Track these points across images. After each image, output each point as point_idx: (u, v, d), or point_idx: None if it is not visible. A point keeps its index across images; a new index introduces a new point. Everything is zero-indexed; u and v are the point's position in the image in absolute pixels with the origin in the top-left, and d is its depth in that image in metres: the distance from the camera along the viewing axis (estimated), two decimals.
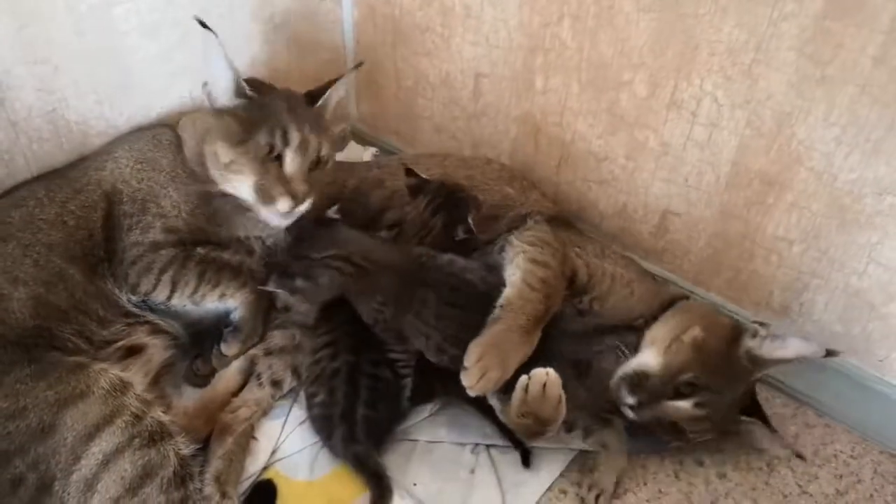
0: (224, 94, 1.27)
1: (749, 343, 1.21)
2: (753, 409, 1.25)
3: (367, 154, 1.98)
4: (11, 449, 1.02)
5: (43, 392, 1.06)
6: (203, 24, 1.21)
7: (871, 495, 1.29)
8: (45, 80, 1.33)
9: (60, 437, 1.03)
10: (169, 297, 1.30)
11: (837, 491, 1.29)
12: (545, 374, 1.13)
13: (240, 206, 1.32)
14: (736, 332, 1.24)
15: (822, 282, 1.35)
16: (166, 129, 1.40)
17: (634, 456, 1.31)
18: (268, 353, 1.36)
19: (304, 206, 1.28)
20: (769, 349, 1.20)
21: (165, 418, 1.10)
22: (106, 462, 1.02)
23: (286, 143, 1.25)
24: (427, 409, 1.33)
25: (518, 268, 1.25)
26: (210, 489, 1.13)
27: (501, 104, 1.69)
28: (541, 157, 1.67)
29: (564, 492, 1.25)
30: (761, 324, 1.23)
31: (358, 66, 1.54)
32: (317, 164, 1.31)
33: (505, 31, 1.58)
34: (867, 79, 1.16)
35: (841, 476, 1.32)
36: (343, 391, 1.21)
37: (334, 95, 1.38)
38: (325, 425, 1.21)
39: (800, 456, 1.27)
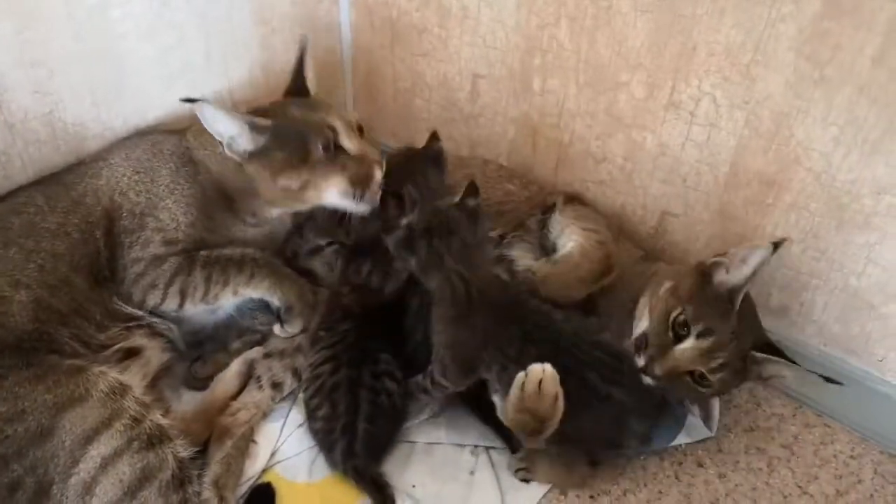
0: (247, 142, 1.29)
1: (721, 278, 1.20)
2: (774, 350, 1.22)
3: None
4: (9, 453, 1.02)
5: (42, 395, 1.05)
6: (190, 100, 1.24)
7: (872, 495, 1.29)
8: (41, 83, 1.33)
9: (59, 441, 1.02)
10: (180, 306, 1.29)
11: (837, 491, 1.29)
12: (541, 371, 1.12)
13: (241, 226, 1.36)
14: (703, 270, 1.22)
15: (821, 282, 1.35)
16: (169, 138, 1.39)
17: (635, 458, 1.31)
18: (267, 355, 1.36)
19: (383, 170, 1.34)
20: (738, 275, 1.18)
21: (164, 421, 1.09)
22: (104, 465, 1.01)
23: (336, 132, 1.30)
24: (427, 411, 1.33)
25: (574, 233, 1.35)
26: (208, 493, 1.12)
27: (499, 105, 1.69)
28: (539, 158, 1.67)
29: (564, 493, 1.25)
30: (722, 255, 1.21)
31: (302, 47, 1.47)
32: (360, 130, 1.37)
33: (502, 32, 1.58)
34: (865, 79, 1.16)
35: (841, 476, 1.31)
36: (344, 405, 1.20)
37: (310, 74, 1.44)
38: (326, 438, 1.20)
39: (830, 380, 1.20)
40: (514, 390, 1.13)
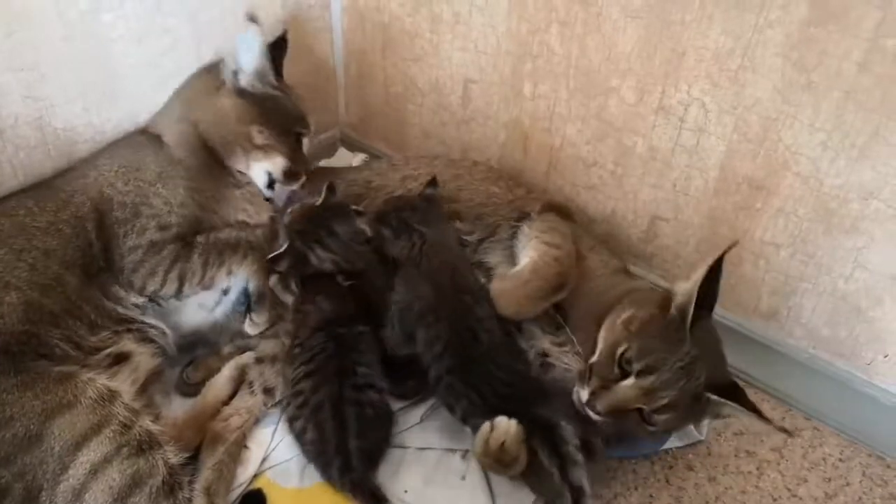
0: (252, 82, 1.41)
1: (675, 302, 1.17)
2: (734, 393, 1.16)
3: (356, 160, 1.98)
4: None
5: (30, 402, 1.05)
6: (252, 20, 1.38)
7: (860, 498, 1.29)
8: (31, 87, 1.33)
9: (48, 447, 1.02)
10: (179, 290, 1.31)
11: (826, 494, 1.30)
12: (504, 434, 1.15)
13: (228, 190, 1.41)
14: (666, 300, 1.20)
15: (810, 286, 1.36)
16: (138, 134, 1.44)
17: (626, 461, 1.32)
18: (259, 360, 1.35)
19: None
20: (683, 292, 1.16)
21: (154, 427, 1.09)
22: (94, 471, 1.01)
23: (308, 128, 1.47)
24: (418, 416, 1.33)
25: (533, 249, 1.32)
26: (200, 500, 1.12)
27: (490, 110, 1.69)
28: (530, 163, 1.68)
29: None
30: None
31: (285, 34, 1.59)
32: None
33: (494, 38, 1.59)
34: (852, 85, 1.17)
35: (830, 479, 1.32)
36: (331, 426, 1.18)
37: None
38: (319, 460, 1.19)
39: (785, 430, 1.17)
40: (479, 440, 1.17)
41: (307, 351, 1.26)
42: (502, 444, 1.15)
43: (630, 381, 1.14)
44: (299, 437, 1.22)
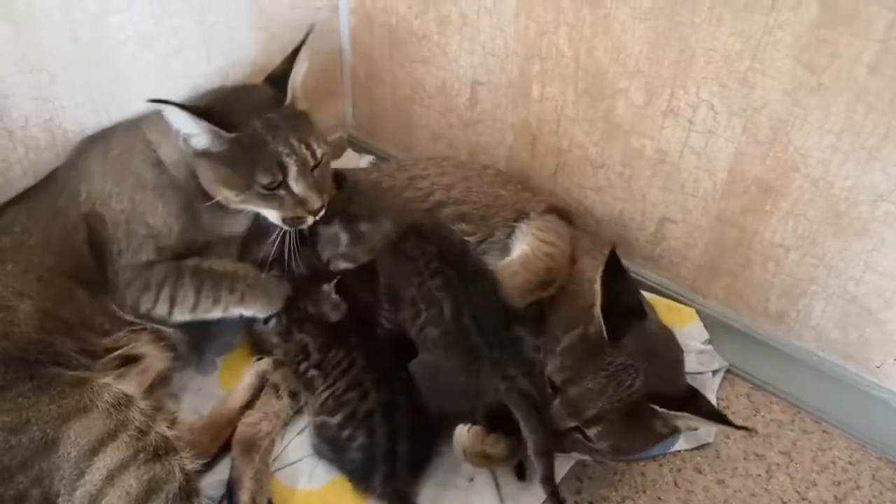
0: (204, 144, 1.24)
1: None
2: (691, 400, 1.09)
3: (363, 162, 1.98)
4: (14, 464, 1.01)
5: (46, 406, 1.04)
6: (159, 101, 1.20)
7: (870, 502, 1.29)
8: (41, 89, 1.33)
9: (64, 452, 1.01)
10: (169, 313, 1.29)
11: (836, 497, 1.29)
12: (461, 445, 1.16)
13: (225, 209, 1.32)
14: None
15: (819, 288, 1.36)
16: (136, 138, 1.33)
17: (634, 463, 1.31)
18: (279, 364, 1.34)
19: (323, 209, 1.32)
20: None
21: (170, 433, 1.08)
22: (111, 477, 1.00)
23: (285, 173, 1.25)
24: None
25: (527, 244, 1.34)
26: None
27: (498, 112, 1.69)
28: (537, 165, 1.68)
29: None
30: None
31: (307, 35, 1.36)
32: (317, 164, 1.30)
33: (501, 40, 1.59)
34: (862, 87, 1.16)
35: (839, 482, 1.32)
36: (384, 431, 1.17)
37: (299, 76, 1.33)
38: (364, 467, 1.17)
39: (746, 429, 1.15)
40: (456, 445, 1.17)
41: (334, 367, 1.25)
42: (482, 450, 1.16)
43: (556, 401, 1.11)
44: (344, 446, 1.19)
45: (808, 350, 1.42)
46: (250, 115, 1.24)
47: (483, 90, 1.69)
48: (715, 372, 1.48)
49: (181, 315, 1.30)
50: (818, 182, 1.27)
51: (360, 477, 1.18)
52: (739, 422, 1.40)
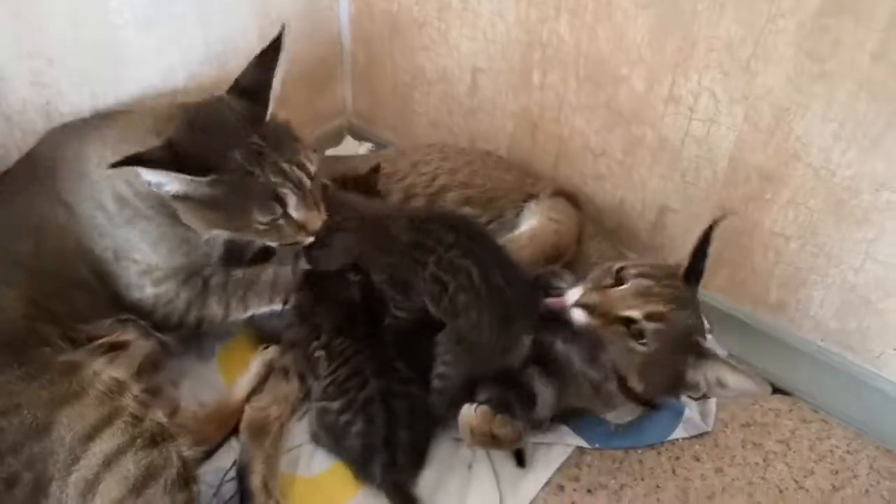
0: (177, 189, 1.09)
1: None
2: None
3: (362, 149, 1.98)
4: (4, 447, 1.00)
5: (36, 392, 1.03)
6: (116, 165, 1.04)
7: (867, 490, 1.29)
8: (39, 73, 1.32)
9: (57, 437, 1.00)
10: (198, 328, 1.29)
11: (833, 486, 1.29)
12: (467, 423, 1.16)
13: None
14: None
15: (819, 278, 1.36)
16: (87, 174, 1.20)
17: (632, 451, 1.32)
18: (288, 347, 1.33)
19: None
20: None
21: (165, 420, 1.06)
22: (108, 462, 0.99)
23: (284, 205, 1.11)
24: None
25: (535, 220, 1.39)
26: (260, 498, 1.13)
27: (498, 99, 1.68)
28: (538, 153, 1.67)
29: (561, 487, 1.25)
30: None
31: (280, 33, 1.20)
32: (311, 179, 1.16)
33: (502, 26, 1.58)
34: (865, 75, 1.16)
35: (837, 471, 1.32)
36: (382, 418, 1.18)
37: (278, 84, 1.16)
38: (363, 453, 1.18)
39: (779, 391, 1.19)
40: (462, 425, 1.18)
41: (338, 355, 1.26)
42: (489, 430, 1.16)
43: (626, 285, 1.13)
44: (343, 432, 1.19)
45: (808, 340, 1.42)
46: (227, 147, 1.08)
47: (484, 77, 1.68)
48: None
49: (210, 328, 1.31)
50: (819, 171, 1.27)
51: (359, 465, 1.19)
52: (738, 411, 1.41)
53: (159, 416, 1.07)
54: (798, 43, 1.20)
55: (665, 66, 1.37)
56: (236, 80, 1.18)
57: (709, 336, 1.48)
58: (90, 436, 1.00)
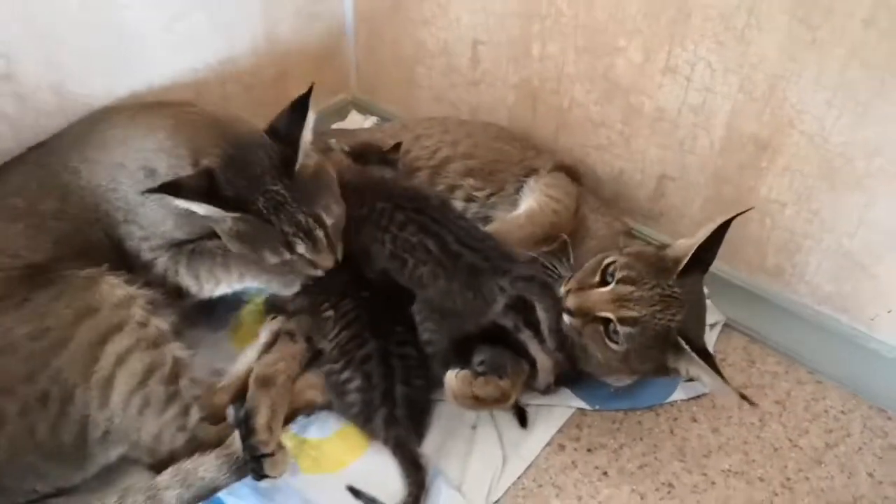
0: (205, 212, 1.18)
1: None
2: (704, 358, 1.16)
3: (367, 123, 2.00)
4: (36, 367, 1.08)
5: (62, 310, 1.12)
6: (153, 191, 1.14)
7: (860, 448, 1.33)
8: (51, 53, 1.35)
9: (76, 346, 1.10)
10: (199, 288, 1.32)
11: (827, 444, 1.33)
12: (450, 388, 1.21)
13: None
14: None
15: (814, 243, 1.38)
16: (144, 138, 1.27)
17: (631, 412, 1.36)
18: (296, 312, 1.38)
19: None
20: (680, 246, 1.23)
21: (164, 326, 1.21)
22: (119, 362, 1.12)
23: (293, 250, 1.21)
24: None
25: (534, 199, 1.41)
26: (264, 436, 1.18)
27: (499, 71, 1.70)
28: (539, 124, 1.70)
29: (563, 447, 1.30)
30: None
31: (308, 90, 1.22)
32: (324, 229, 1.24)
33: None
34: (857, 42, 1.17)
35: (831, 430, 1.36)
36: (380, 373, 1.23)
37: (309, 133, 1.22)
38: (364, 409, 1.22)
39: (745, 398, 1.15)
40: (447, 391, 1.23)
41: (342, 317, 1.31)
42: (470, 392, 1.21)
43: (608, 288, 1.18)
44: (343, 388, 1.25)
45: (804, 304, 1.45)
46: (255, 189, 1.17)
47: (484, 50, 1.70)
48: (713, 325, 1.51)
49: (210, 290, 1.34)
50: (813, 138, 1.29)
51: (362, 421, 1.24)
52: (736, 374, 1.44)
53: (160, 322, 1.21)
54: (791, 10, 1.22)
55: (661, 36, 1.39)
56: (272, 124, 1.25)
57: (707, 301, 1.52)
58: (103, 340, 1.13)
